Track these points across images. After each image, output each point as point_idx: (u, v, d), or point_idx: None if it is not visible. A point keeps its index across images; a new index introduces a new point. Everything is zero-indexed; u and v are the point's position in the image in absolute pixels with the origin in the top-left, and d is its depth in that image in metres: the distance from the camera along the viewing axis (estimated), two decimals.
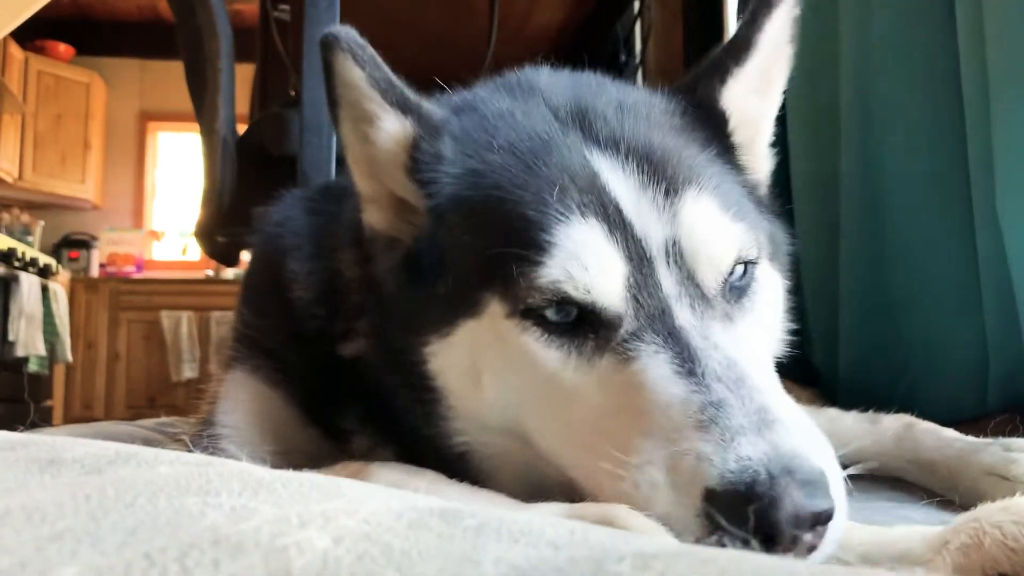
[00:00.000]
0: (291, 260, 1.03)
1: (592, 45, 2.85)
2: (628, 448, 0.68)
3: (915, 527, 0.71)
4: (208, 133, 2.25)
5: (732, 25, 2.64)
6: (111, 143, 7.74)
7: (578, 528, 0.38)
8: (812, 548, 0.61)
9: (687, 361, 0.71)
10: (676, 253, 0.77)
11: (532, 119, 0.88)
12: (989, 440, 1.15)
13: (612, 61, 2.90)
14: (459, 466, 0.84)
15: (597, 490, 0.71)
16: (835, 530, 0.63)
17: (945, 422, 1.29)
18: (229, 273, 7.14)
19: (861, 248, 1.80)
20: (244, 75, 2.66)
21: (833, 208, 1.87)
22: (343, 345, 0.94)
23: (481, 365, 0.81)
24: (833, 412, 1.37)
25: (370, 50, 0.85)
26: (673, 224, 0.78)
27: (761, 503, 0.59)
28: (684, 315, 0.75)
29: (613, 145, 0.83)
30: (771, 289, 0.88)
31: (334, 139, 1.89)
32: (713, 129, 0.92)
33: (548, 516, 0.62)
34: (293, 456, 0.90)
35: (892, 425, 1.30)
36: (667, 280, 0.76)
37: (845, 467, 0.70)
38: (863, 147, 1.78)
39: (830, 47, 1.88)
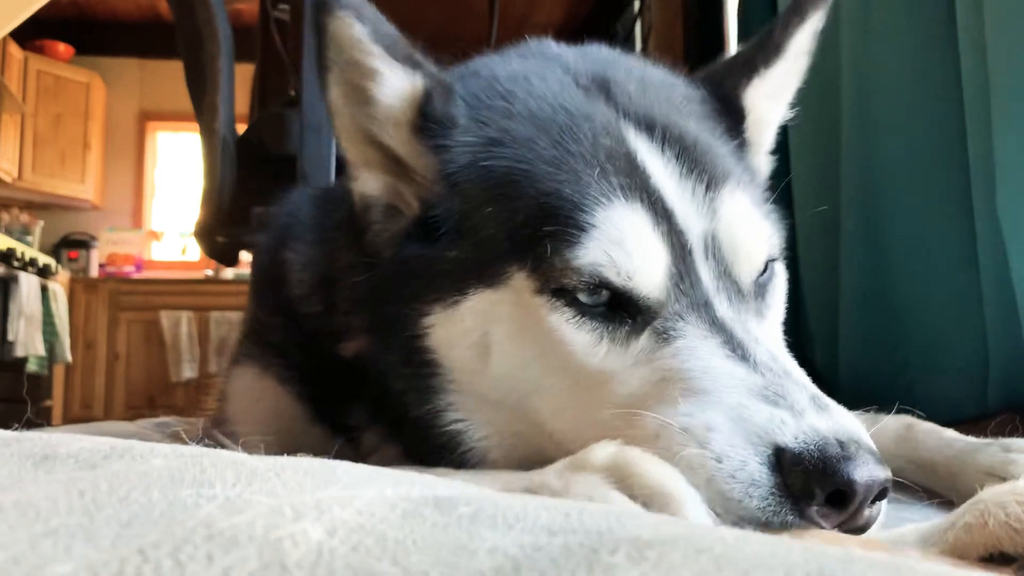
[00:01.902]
0: (290, 251, 1.01)
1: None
2: (674, 412, 0.66)
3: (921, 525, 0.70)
4: (208, 133, 2.25)
5: (732, 25, 2.64)
6: (111, 143, 7.74)
7: (573, 511, 0.38)
8: (867, 526, 0.61)
9: (737, 348, 0.70)
10: (715, 247, 0.76)
11: (550, 84, 0.85)
12: (988, 440, 1.15)
13: None
14: (452, 444, 0.82)
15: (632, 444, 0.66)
16: (883, 511, 0.64)
17: (945, 422, 1.28)
18: (229, 273, 7.13)
19: (861, 248, 1.80)
20: (244, 75, 2.66)
21: (833, 208, 1.87)
22: (343, 345, 0.92)
23: (493, 337, 0.78)
24: None
25: (371, 7, 0.82)
26: (713, 218, 0.77)
27: (839, 463, 0.59)
28: (723, 308, 0.74)
29: (647, 127, 0.81)
30: (784, 285, 0.88)
31: (334, 139, 1.89)
32: (732, 124, 0.91)
33: (556, 474, 0.60)
34: (302, 452, 0.90)
35: (893, 425, 1.29)
36: (706, 273, 0.75)
37: None
38: (863, 147, 1.78)
39: (830, 47, 1.88)
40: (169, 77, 5.95)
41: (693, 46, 2.75)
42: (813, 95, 2.00)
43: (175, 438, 1.01)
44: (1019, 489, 0.64)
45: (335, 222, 0.97)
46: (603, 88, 0.85)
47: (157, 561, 0.34)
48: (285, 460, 0.51)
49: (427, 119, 0.82)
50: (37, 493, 0.43)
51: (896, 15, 1.72)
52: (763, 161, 1.00)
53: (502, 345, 0.78)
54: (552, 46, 0.96)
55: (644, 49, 2.98)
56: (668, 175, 0.78)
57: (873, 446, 0.63)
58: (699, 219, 0.77)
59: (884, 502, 0.63)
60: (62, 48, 7.50)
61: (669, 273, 0.74)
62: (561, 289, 0.74)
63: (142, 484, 0.43)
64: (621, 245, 0.73)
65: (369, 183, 0.87)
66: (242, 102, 2.55)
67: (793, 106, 1.02)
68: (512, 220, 0.77)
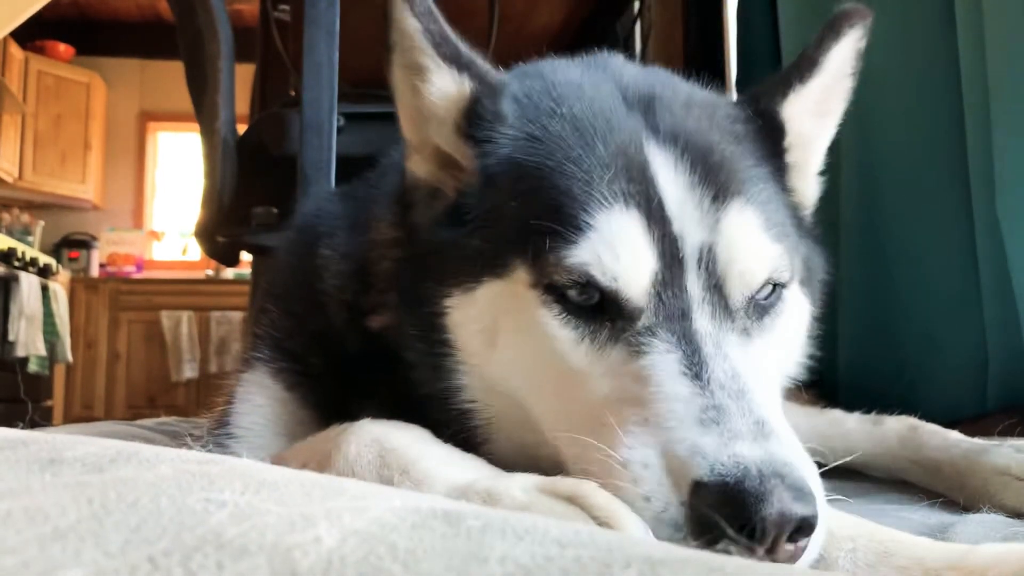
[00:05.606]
0: (324, 247, 1.02)
1: (592, 45, 2.84)
2: (625, 434, 0.68)
3: (1009, 545, 0.68)
4: (208, 133, 2.25)
5: (732, 25, 2.64)
6: (111, 143, 7.74)
7: (583, 528, 0.38)
8: (791, 560, 0.61)
9: (695, 365, 0.71)
10: (709, 260, 0.77)
11: (599, 94, 0.88)
12: (997, 441, 1.16)
13: None
14: (459, 424, 0.85)
15: (585, 467, 0.70)
16: (815, 545, 0.63)
17: (944, 422, 1.29)
18: (229, 273, 7.13)
19: (861, 248, 1.81)
20: (244, 75, 2.66)
21: (833, 208, 1.87)
22: (371, 318, 0.94)
23: (499, 326, 0.81)
24: (836, 414, 1.37)
25: (428, 2, 0.85)
26: (713, 231, 0.78)
27: (748, 497, 0.59)
28: (702, 321, 0.75)
29: (672, 139, 0.83)
30: (796, 314, 0.88)
31: (334, 139, 1.89)
32: (771, 144, 0.92)
33: (523, 489, 0.64)
34: None
35: (895, 427, 1.30)
36: (693, 284, 0.76)
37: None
38: (863, 148, 1.79)
39: None
40: (169, 77, 5.95)
41: (693, 46, 2.75)
42: None
43: (178, 439, 1.00)
44: None
45: (378, 205, 1.00)
46: (645, 103, 0.87)
47: (168, 569, 0.34)
48: (292, 471, 0.51)
49: (472, 118, 0.86)
50: (45, 498, 0.43)
51: (896, 15, 1.72)
52: (810, 183, 1.00)
53: (505, 335, 0.81)
54: (616, 60, 0.99)
55: (644, 49, 2.98)
56: (676, 185, 0.79)
57: (803, 479, 0.62)
58: (698, 229, 0.78)
59: (814, 538, 0.62)
60: (62, 48, 7.50)
61: (654, 280, 0.75)
62: (552, 285, 0.77)
63: (151, 491, 0.43)
64: (611, 247, 0.75)
65: (418, 166, 0.91)
66: (242, 102, 2.55)
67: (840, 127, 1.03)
68: (527, 214, 0.79)
